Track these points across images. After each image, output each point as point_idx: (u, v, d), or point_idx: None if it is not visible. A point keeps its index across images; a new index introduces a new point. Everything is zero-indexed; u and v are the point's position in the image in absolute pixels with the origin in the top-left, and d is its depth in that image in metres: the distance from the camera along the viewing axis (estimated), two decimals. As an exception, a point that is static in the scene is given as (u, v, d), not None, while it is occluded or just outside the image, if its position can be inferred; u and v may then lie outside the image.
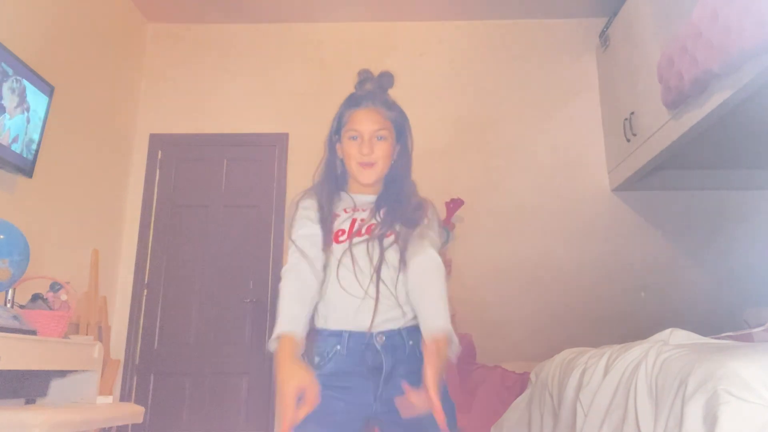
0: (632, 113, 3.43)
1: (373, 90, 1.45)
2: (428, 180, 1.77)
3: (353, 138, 1.41)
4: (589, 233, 3.76)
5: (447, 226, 3.58)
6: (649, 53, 3.20)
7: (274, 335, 1.19)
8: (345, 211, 1.39)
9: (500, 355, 3.43)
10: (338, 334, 1.28)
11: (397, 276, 1.30)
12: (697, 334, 1.72)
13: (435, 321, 1.21)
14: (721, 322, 2.89)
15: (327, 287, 1.32)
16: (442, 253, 1.41)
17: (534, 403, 2.37)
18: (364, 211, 1.38)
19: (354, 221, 1.35)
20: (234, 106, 4.06)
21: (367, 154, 1.39)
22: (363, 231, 1.33)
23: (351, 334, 1.27)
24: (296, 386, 1.09)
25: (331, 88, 3.95)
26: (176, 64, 4.16)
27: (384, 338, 1.26)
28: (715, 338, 1.82)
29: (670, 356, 1.46)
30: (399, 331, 1.28)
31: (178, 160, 3.99)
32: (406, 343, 1.28)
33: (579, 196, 3.84)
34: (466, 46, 4.14)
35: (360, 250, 1.31)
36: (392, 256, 1.32)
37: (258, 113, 4.04)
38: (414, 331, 1.28)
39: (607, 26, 3.83)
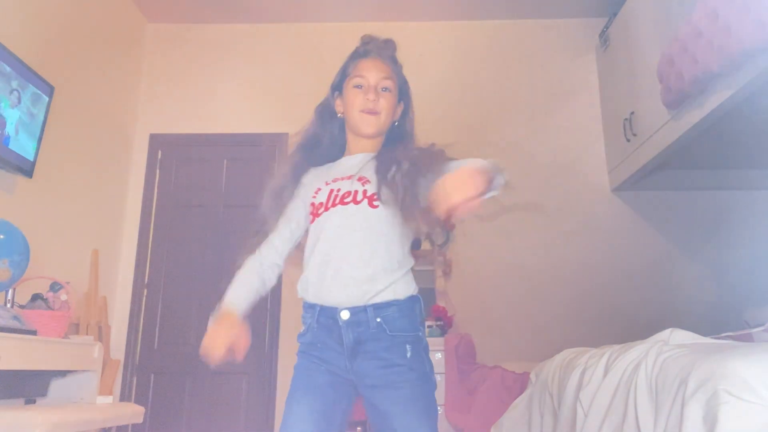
0: (632, 113, 3.43)
1: (379, 45, 1.45)
2: (428, 180, 1.76)
3: (358, 86, 1.39)
4: (589, 233, 3.76)
5: (447, 227, 3.58)
6: (649, 53, 3.20)
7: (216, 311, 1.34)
8: (326, 183, 1.36)
9: (500, 355, 3.43)
10: (313, 307, 1.31)
11: (364, 247, 1.27)
12: (697, 334, 1.72)
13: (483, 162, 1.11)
14: (721, 322, 2.90)
15: (306, 260, 1.35)
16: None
17: (534, 403, 2.37)
18: (342, 179, 1.34)
19: (330, 192, 1.33)
20: (234, 106, 4.05)
21: (373, 101, 1.36)
22: (337, 201, 1.31)
23: (322, 308, 1.29)
24: (223, 345, 1.29)
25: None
26: (176, 64, 4.16)
27: (348, 314, 1.26)
28: (715, 338, 1.82)
29: (670, 356, 1.46)
30: (365, 308, 1.25)
31: (178, 160, 3.99)
32: (372, 319, 1.25)
33: (579, 196, 3.84)
34: (466, 46, 4.14)
35: (333, 223, 1.30)
36: (368, 222, 1.28)
37: (258, 113, 4.04)
38: (382, 307, 1.26)
39: (607, 26, 3.82)
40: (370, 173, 1.33)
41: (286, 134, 4.00)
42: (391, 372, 1.23)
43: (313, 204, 1.35)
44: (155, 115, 4.06)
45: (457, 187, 1.03)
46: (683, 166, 3.45)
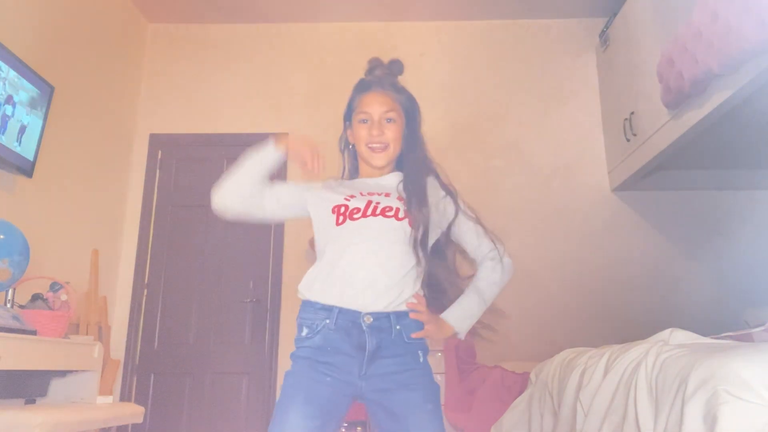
0: (632, 113, 3.43)
1: (382, 75, 1.50)
2: (428, 180, 1.76)
3: (363, 121, 1.45)
4: (589, 233, 3.76)
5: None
6: (649, 53, 3.20)
7: (265, 148, 1.49)
8: (361, 193, 1.40)
9: (500, 355, 3.43)
10: (329, 309, 1.30)
11: (400, 259, 1.33)
12: (697, 334, 1.72)
13: (453, 314, 1.41)
14: (721, 322, 2.89)
15: (330, 262, 1.34)
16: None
17: (534, 403, 2.37)
18: (379, 195, 1.40)
19: (369, 203, 1.36)
20: (234, 106, 4.05)
21: (377, 136, 1.42)
22: (378, 212, 1.35)
23: (341, 310, 1.29)
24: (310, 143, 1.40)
25: (331, 88, 3.99)
26: (176, 64, 4.15)
27: (371, 319, 1.28)
28: (715, 338, 1.82)
29: (670, 356, 1.46)
30: (387, 315, 1.30)
31: (178, 160, 3.99)
32: (393, 326, 1.30)
33: (579, 196, 3.84)
34: (466, 46, 4.14)
35: (369, 232, 1.33)
36: (405, 237, 1.34)
37: (258, 113, 4.04)
38: (403, 315, 1.32)
39: (607, 26, 3.82)
40: (406, 195, 1.40)
41: (286, 134, 3.98)
42: (406, 375, 1.29)
43: (345, 206, 1.37)
44: (155, 115, 4.06)
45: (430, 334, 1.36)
46: (683, 166, 3.45)
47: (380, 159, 1.44)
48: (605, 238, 3.75)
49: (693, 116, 2.81)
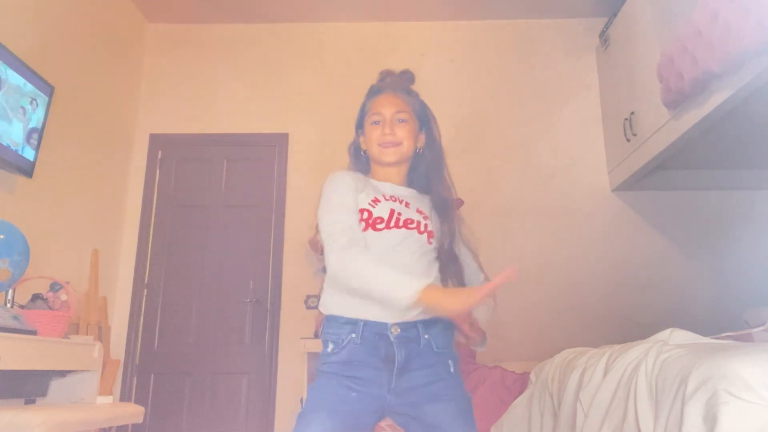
0: (632, 113, 3.43)
1: (392, 81, 1.50)
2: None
3: (375, 123, 1.44)
4: (589, 233, 3.76)
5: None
6: (649, 53, 3.20)
7: (410, 291, 1.17)
8: (384, 197, 1.38)
9: (500, 355, 3.43)
10: (354, 323, 1.26)
11: (425, 268, 1.32)
12: (697, 334, 1.72)
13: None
14: (721, 322, 2.89)
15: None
16: None
17: (534, 403, 2.37)
18: (400, 202, 1.38)
19: (392, 212, 1.35)
20: (234, 106, 4.05)
21: (389, 134, 1.41)
22: (401, 224, 1.33)
23: (367, 323, 1.26)
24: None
25: (331, 88, 4.00)
26: (176, 64, 4.16)
27: (399, 330, 1.25)
28: (715, 338, 1.82)
29: (670, 356, 1.46)
30: (415, 324, 1.27)
31: (178, 160, 3.99)
32: (421, 336, 1.27)
33: (579, 196, 3.84)
34: (466, 46, 4.14)
35: (392, 242, 1.31)
36: (422, 250, 1.33)
37: (258, 113, 4.04)
38: (430, 324, 1.28)
39: (607, 26, 3.82)
40: (426, 210, 1.40)
41: (286, 134, 4.01)
42: (438, 386, 1.25)
43: (370, 213, 1.33)
44: (155, 115, 4.06)
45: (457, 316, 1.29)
46: (683, 166, 3.45)
47: (391, 154, 1.42)
48: (605, 238, 3.75)
49: (693, 116, 2.81)
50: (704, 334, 1.75)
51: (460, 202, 3.59)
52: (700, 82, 2.63)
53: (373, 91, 1.49)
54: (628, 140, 3.48)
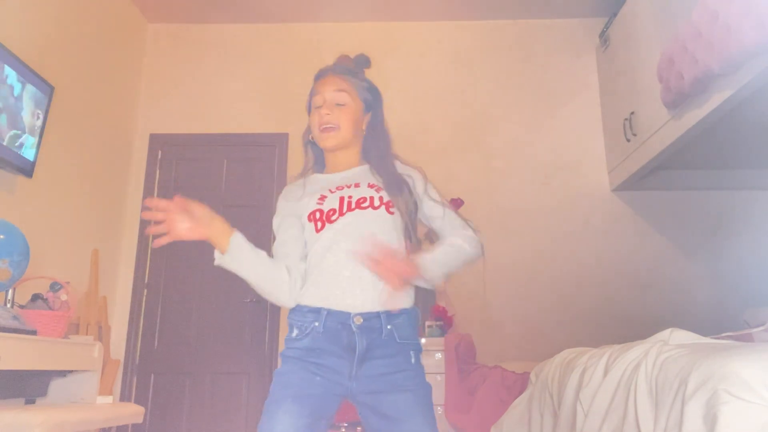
0: (632, 113, 3.43)
1: (338, 63, 1.50)
2: (428, 180, 1.76)
3: (318, 107, 1.43)
4: (589, 233, 3.76)
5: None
6: (649, 53, 3.20)
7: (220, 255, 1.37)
8: (331, 191, 1.38)
9: (500, 355, 3.43)
10: (317, 311, 1.28)
11: (387, 238, 1.30)
12: (697, 334, 1.72)
13: (425, 257, 1.29)
14: (721, 322, 2.90)
15: (313, 265, 1.33)
16: None
17: (534, 403, 2.36)
18: (348, 186, 1.37)
19: (342, 199, 1.34)
20: (234, 106, 4.05)
21: (327, 114, 1.40)
22: (353, 206, 1.33)
23: (330, 312, 1.27)
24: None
25: (331, 88, 3.99)
26: (176, 64, 4.16)
27: (361, 320, 1.26)
28: (715, 338, 1.82)
29: (670, 356, 1.46)
30: (378, 314, 1.27)
31: (178, 160, 3.99)
32: (384, 326, 1.27)
33: (579, 196, 3.84)
34: (466, 46, 4.14)
35: (349, 229, 1.31)
36: (382, 221, 1.32)
37: (258, 113, 4.04)
38: (394, 315, 1.28)
39: (607, 26, 3.82)
40: (377, 181, 1.37)
41: (286, 134, 4.01)
42: (398, 377, 1.26)
43: (320, 211, 1.34)
44: (155, 115, 4.06)
45: (388, 271, 1.21)
46: (683, 166, 3.45)
47: (329, 139, 1.40)
48: (605, 238, 3.75)
49: (693, 116, 2.81)
50: (704, 334, 1.75)
51: (460, 202, 3.61)
52: (700, 82, 2.63)
53: (318, 75, 1.48)
54: (628, 140, 3.48)
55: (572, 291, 3.67)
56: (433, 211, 1.40)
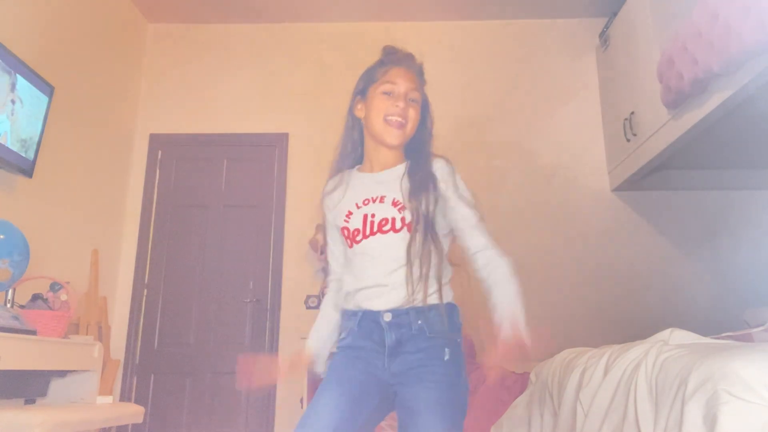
0: (632, 113, 3.43)
1: (407, 56, 1.47)
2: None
3: (387, 93, 1.40)
4: (589, 233, 3.76)
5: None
6: (649, 53, 3.20)
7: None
8: (357, 205, 1.39)
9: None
10: (354, 314, 1.37)
11: (412, 262, 1.32)
12: (697, 334, 1.72)
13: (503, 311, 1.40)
14: (721, 322, 2.90)
15: (348, 276, 1.41)
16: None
17: (534, 403, 2.37)
18: (374, 201, 1.38)
19: (365, 218, 1.37)
20: (234, 106, 4.06)
21: (403, 109, 1.38)
22: (375, 229, 1.36)
23: (364, 313, 1.35)
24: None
25: (331, 88, 3.99)
26: (176, 64, 4.16)
27: (390, 316, 1.32)
28: (715, 338, 1.82)
29: (670, 356, 1.46)
30: (406, 311, 1.31)
31: (178, 160, 3.99)
32: (414, 322, 1.31)
33: (579, 196, 3.84)
34: (466, 46, 4.14)
35: (373, 251, 1.36)
36: (403, 244, 1.33)
37: (258, 113, 4.04)
38: (424, 311, 1.31)
39: (607, 26, 3.82)
40: (402, 196, 1.36)
41: (286, 134, 4.01)
42: (423, 371, 1.28)
43: (347, 229, 1.39)
44: (155, 115, 4.06)
45: (505, 358, 1.31)
46: (683, 166, 3.45)
47: (396, 137, 1.39)
48: (605, 238, 3.75)
49: (693, 116, 2.81)
50: (704, 334, 1.75)
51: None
52: (700, 82, 2.63)
53: (390, 60, 1.44)
54: (628, 140, 3.48)
55: (572, 291, 3.67)
56: (466, 221, 1.44)
